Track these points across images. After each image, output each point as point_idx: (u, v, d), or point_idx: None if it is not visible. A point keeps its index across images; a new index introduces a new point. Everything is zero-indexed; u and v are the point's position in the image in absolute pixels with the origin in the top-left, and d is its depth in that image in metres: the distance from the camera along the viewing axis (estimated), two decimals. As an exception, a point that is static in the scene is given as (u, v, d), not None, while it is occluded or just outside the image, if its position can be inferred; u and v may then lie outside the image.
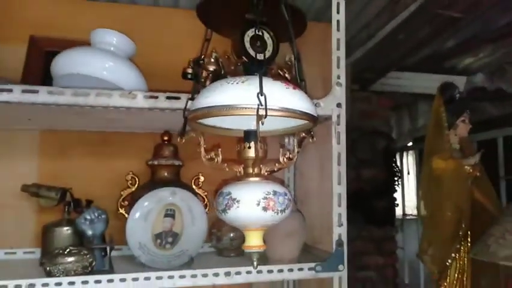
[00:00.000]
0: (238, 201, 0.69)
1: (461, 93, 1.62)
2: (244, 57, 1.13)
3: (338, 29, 1.15)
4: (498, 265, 1.28)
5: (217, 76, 1.16)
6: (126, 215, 1.22)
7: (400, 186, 2.87)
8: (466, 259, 1.57)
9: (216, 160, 0.75)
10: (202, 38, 1.23)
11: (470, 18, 1.72)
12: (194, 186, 1.28)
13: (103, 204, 1.17)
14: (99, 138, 1.38)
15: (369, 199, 2.66)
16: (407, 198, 2.89)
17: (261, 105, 0.59)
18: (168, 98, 1.00)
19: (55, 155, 1.36)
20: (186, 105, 0.78)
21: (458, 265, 1.57)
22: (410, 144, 3.19)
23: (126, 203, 1.25)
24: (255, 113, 0.59)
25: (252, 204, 0.70)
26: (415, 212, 2.28)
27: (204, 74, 1.15)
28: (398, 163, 2.87)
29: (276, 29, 1.15)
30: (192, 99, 0.80)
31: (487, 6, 1.56)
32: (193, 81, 1.04)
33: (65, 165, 1.36)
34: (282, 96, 0.63)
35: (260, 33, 1.14)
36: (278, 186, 0.73)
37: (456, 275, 1.57)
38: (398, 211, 2.90)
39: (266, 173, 0.75)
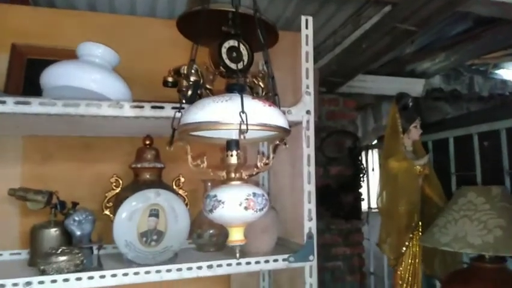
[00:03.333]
0: (223, 202, 0.77)
1: (413, 101, 1.77)
2: (222, 67, 1.24)
3: (307, 43, 1.22)
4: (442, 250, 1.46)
5: (197, 86, 1.26)
6: (111, 216, 1.24)
7: (365, 182, 2.96)
8: (417, 246, 1.74)
9: (201, 166, 0.84)
10: (179, 46, 1.26)
11: (423, 31, 1.90)
12: (175, 187, 1.31)
13: (87, 206, 1.19)
14: (82, 143, 1.39)
15: (337, 194, 2.74)
16: (372, 193, 3.04)
17: (243, 122, 0.68)
18: (153, 107, 1.04)
19: (38, 159, 1.36)
20: (174, 116, 0.86)
21: (411, 252, 1.74)
22: (375, 142, 3.32)
23: (111, 204, 1.27)
24: (238, 128, 0.69)
25: (235, 204, 0.78)
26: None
27: (185, 83, 1.24)
28: (363, 160, 2.95)
29: (250, 40, 1.20)
30: (179, 109, 0.88)
31: (437, 21, 1.74)
32: (178, 94, 1.12)
33: (48, 169, 1.36)
34: (260, 113, 0.72)
35: (236, 45, 1.23)
36: (257, 189, 0.82)
37: (410, 261, 1.73)
38: (364, 205, 2.98)
39: (246, 177, 0.84)
